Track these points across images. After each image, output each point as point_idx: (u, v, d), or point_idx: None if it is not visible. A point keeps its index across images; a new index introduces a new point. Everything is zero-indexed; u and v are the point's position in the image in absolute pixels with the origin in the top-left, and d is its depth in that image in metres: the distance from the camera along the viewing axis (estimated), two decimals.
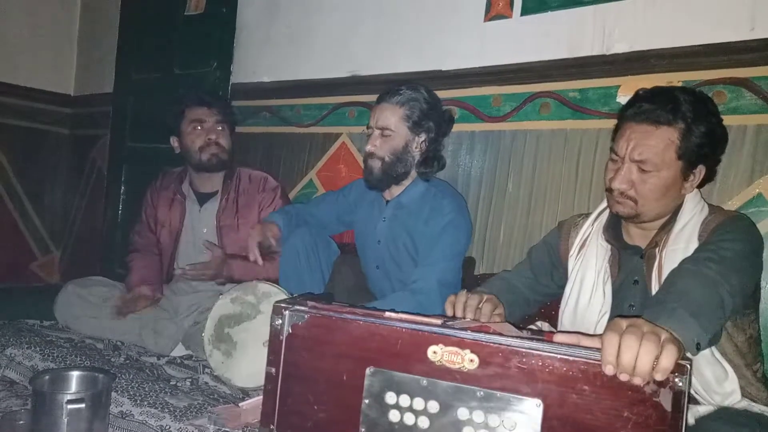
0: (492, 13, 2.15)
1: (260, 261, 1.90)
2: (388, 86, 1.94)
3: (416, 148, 1.91)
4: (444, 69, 2.27)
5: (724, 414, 1.19)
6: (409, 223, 1.91)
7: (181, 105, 2.34)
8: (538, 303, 1.64)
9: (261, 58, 2.91)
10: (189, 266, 2.17)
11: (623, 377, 0.86)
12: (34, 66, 3.74)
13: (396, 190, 1.97)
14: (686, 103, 1.28)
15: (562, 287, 1.55)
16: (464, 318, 1.29)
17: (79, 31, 3.92)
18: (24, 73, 3.68)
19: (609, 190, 1.37)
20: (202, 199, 2.38)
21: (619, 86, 1.85)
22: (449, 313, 1.33)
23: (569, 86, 1.96)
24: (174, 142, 2.36)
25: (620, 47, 1.86)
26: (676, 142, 1.28)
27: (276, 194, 2.37)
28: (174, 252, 2.38)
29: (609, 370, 0.86)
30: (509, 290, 1.54)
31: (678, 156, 1.29)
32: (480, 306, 1.33)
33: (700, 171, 1.33)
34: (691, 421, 1.18)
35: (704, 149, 1.29)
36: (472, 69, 2.18)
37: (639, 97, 1.36)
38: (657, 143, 1.28)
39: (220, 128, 2.33)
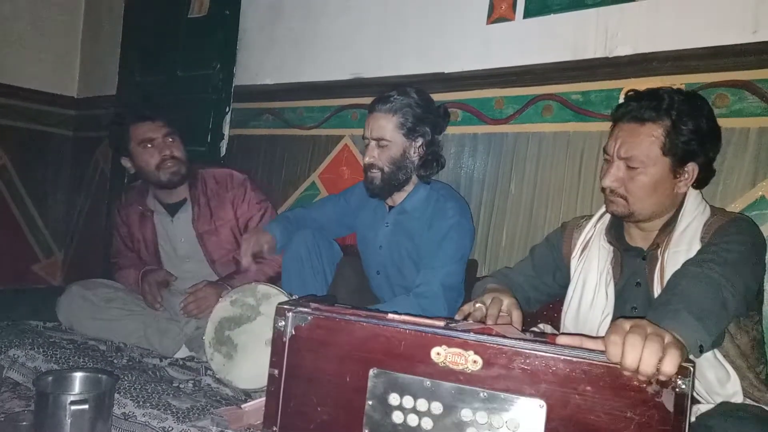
0: (495, 16, 2.15)
1: (253, 267, 1.88)
2: (392, 88, 1.93)
3: (414, 153, 1.90)
4: (447, 71, 2.27)
5: (724, 409, 1.19)
6: (412, 228, 1.91)
7: (122, 125, 2.22)
8: (538, 302, 1.64)
9: (264, 60, 2.91)
10: (185, 302, 2.11)
11: (626, 372, 0.86)
12: (38, 68, 3.75)
13: (398, 197, 1.96)
14: (671, 101, 1.30)
15: (564, 287, 1.55)
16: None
17: (83, 33, 3.94)
18: (28, 75, 3.69)
19: (603, 190, 1.39)
20: (172, 209, 2.32)
21: (622, 89, 1.85)
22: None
23: (572, 89, 1.96)
24: (126, 162, 2.26)
25: (623, 50, 1.86)
26: (660, 139, 1.29)
27: (246, 187, 2.32)
28: (159, 264, 2.35)
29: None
30: (510, 288, 1.54)
31: (663, 152, 1.30)
32: (504, 312, 1.29)
33: (693, 169, 1.33)
34: (691, 418, 1.18)
35: (692, 146, 1.30)
36: (475, 71, 2.19)
37: (628, 98, 1.39)
38: (642, 140, 1.31)
39: (171, 140, 2.22)
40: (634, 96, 1.38)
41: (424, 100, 1.92)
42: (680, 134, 1.29)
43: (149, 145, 2.19)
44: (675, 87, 1.41)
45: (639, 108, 1.32)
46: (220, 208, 2.29)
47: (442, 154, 1.98)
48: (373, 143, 1.89)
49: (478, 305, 1.31)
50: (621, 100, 1.82)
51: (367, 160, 1.90)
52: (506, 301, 1.31)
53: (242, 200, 2.30)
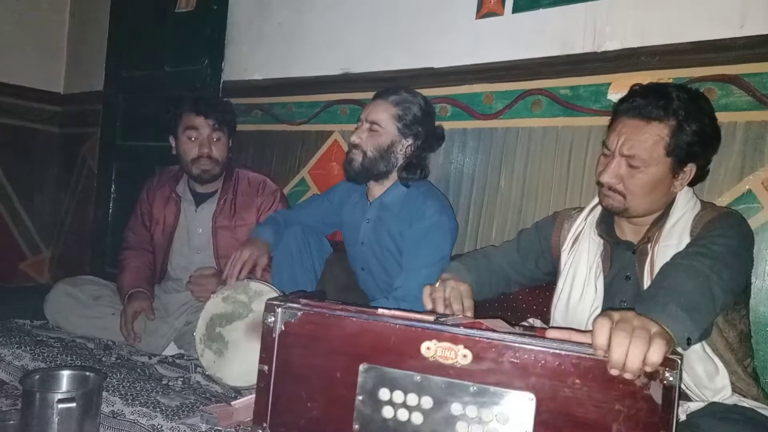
0: (483, 11, 2.15)
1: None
2: (382, 84, 1.94)
3: (401, 150, 1.90)
4: (436, 66, 2.26)
5: (714, 409, 1.20)
6: (393, 225, 1.90)
7: (177, 108, 2.27)
8: (518, 285, 1.66)
9: (252, 55, 2.90)
10: (191, 282, 2.12)
11: (614, 372, 0.87)
12: (24, 64, 3.70)
13: (377, 190, 1.95)
14: (679, 100, 1.28)
15: (546, 274, 1.56)
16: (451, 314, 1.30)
17: (69, 28, 3.89)
18: (13, 70, 3.64)
19: (599, 184, 1.38)
20: (200, 199, 2.35)
21: (611, 83, 1.86)
22: (428, 307, 1.34)
23: (560, 83, 1.96)
24: (172, 141, 2.32)
25: (611, 44, 1.86)
26: (665, 139, 1.28)
27: (275, 198, 2.34)
28: (168, 250, 2.36)
29: (599, 354, 0.88)
30: (491, 269, 1.56)
31: (667, 153, 1.29)
32: (463, 304, 1.34)
33: (691, 170, 1.33)
34: (682, 417, 1.19)
35: (694, 148, 1.30)
36: (464, 66, 2.19)
37: (633, 92, 1.36)
38: (646, 139, 1.29)
39: (216, 138, 2.25)
40: (640, 91, 1.35)
41: (428, 107, 1.94)
42: (685, 135, 1.28)
43: (192, 138, 2.23)
44: (666, 81, 1.41)
45: (646, 105, 1.29)
46: (245, 210, 2.31)
47: (427, 165, 1.97)
48: (365, 125, 1.89)
49: (438, 294, 1.35)
50: (611, 94, 1.84)
51: (353, 139, 1.89)
52: (463, 287, 1.37)
53: (268, 208, 2.31)
